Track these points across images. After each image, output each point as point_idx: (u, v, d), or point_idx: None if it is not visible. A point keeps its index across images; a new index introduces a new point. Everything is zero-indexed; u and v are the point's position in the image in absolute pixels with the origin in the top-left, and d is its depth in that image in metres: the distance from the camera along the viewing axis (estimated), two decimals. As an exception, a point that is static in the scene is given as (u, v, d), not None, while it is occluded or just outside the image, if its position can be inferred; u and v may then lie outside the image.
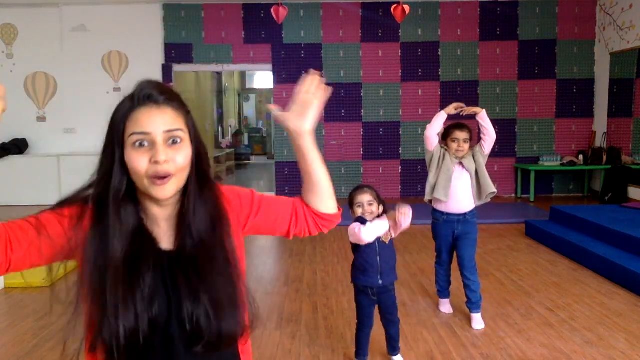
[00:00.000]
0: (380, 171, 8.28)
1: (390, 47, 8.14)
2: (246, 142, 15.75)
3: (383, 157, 8.26)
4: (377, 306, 2.64)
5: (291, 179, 8.16)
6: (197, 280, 1.05)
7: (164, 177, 1.03)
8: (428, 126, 3.23)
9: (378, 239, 2.52)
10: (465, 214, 3.24)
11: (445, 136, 3.27)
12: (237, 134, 14.99)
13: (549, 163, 7.86)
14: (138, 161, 1.03)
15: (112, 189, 1.04)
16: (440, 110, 3.27)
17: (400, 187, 8.28)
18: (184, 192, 1.09)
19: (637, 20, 7.14)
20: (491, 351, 2.85)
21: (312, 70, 1.27)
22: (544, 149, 8.24)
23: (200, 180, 1.11)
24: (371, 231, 2.45)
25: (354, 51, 8.12)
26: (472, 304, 3.22)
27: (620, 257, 4.04)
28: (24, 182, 7.80)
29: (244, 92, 16.52)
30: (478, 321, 3.18)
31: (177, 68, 8.12)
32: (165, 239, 1.10)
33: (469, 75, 8.17)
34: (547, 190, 8.27)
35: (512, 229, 5.82)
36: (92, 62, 8.14)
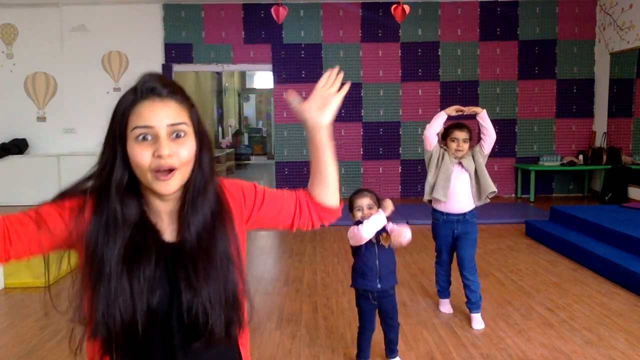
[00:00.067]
0: (380, 171, 8.28)
1: (390, 47, 8.14)
2: (246, 142, 15.76)
3: (383, 157, 8.26)
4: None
5: (291, 179, 8.16)
6: (196, 274, 1.04)
7: (168, 173, 1.02)
8: (427, 126, 3.23)
9: (378, 242, 2.52)
10: (464, 214, 3.24)
11: (445, 136, 3.26)
12: (237, 134, 15.00)
13: (549, 163, 7.86)
14: (141, 155, 1.01)
15: (114, 181, 1.04)
16: (441, 111, 3.27)
17: (400, 187, 8.28)
18: (187, 186, 1.09)
19: (637, 20, 7.14)
20: (491, 351, 2.85)
21: (334, 68, 1.27)
22: (544, 149, 8.24)
23: (204, 174, 1.10)
24: (369, 227, 2.46)
25: (354, 51, 8.12)
26: (472, 304, 3.22)
27: (620, 257, 4.04)
28: (24, 182, 7.79)
29: (244, 92, 16.53)
30: (478, 321, 3.18)
31: (177, 68, 8.12)
32: (168, 231, 1.10)
33: (469, 75, 8.17)
34: (547, 190, 8.27)
35: (512, 229, 5.82)
36: (92, 62, 8.14)
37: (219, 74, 12.97)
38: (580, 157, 7.92)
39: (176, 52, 8.11)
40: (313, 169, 1.27)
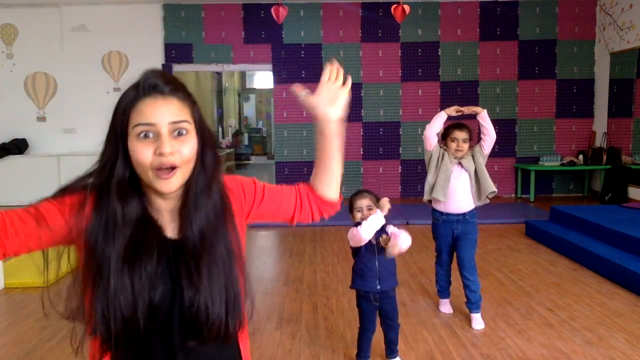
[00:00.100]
0: (380, 171, 8.28)
1: (390, 47, 8.14)
2: (246, 142, 15.76)
3: (383, 157, 8.26)
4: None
5: (291, 179, 8.14)
6: (198, 271, 1.04)
7: (169, 171, 1.01)
8: (427, 126, 3.23)
9: (378, 244, 2.52)
10: (464, 214, 3.24)
11: (445, 136, 3.26)
12: (237, 134, 14.99)
13: (549, 163, 7.86)
14: (142, 153, 1.01)
15: (115, 179, 1.03)
16: (441, 111, 3.27)
17: (400, 187, 8.28)
18: (188, 183, 1.08)
19: (637, 20, 7.14)
20: (491, 351, 2.85)
21: (333, 59, 1.27)
22: (544, 149, 8.24)
23: (207, 172, 1.09)
24: (368, 228, 2.46)
25: (354, 51, 8.12)
26: (472, 304, 3.22)
27: (620, 257, 4.04)
28: (24, 182, 7.79)
29: (244, 92, 16.53)
30: (478, 321, 3.18)
31: (177, 68, 8.12)
32: (169, 228, 1.09)
33: (469, 75, 8.17)
34: (547, 190, 8.27)
35: (512, 229, 5.82)
36: (92, 62, 8.14)
37: (219, 74, 12.96)
38: (580, 157, 7.92)
39: (176, 52, 8.11)
40: (318, 162, 1.28)
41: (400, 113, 8.22)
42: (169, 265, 1.05)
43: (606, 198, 7.29)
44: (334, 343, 2.99)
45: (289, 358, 2.83)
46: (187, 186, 1.08)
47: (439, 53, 8.16)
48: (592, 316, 3.31)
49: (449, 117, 3.24)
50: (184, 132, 1.03)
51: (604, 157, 7.62)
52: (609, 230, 4.54)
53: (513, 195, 8.25)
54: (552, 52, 8.14)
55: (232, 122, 15.18)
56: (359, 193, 2.60)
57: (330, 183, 1.28)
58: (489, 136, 3.18)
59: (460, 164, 3.22)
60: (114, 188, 1.02)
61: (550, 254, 4.78)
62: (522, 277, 4.13)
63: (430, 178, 3.27)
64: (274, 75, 8.20)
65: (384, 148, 8.24)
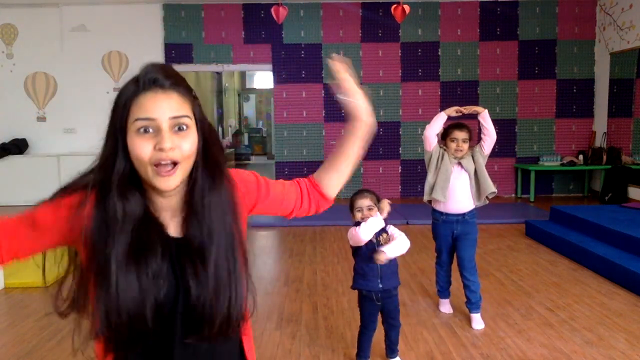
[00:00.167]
0: (380, 171, 8.28)
1: (390, 47, 8.14)
2: (246, 142, 15.75)
3: (383, 157, 8.26)
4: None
5: (291, 179, 8.14)
6: (204, 268, 1.03)
7: (171, 168, 1.00)
8: (427, 126, 3.23)
9: (378, 243, 2.52)
10: (464, 214, 3.24)
11: (445, 136, 3.26)
12: (237, 134, 15.00)
13: (549, 163, 7.86)
14: (141, 148, 0.99)
15: (116, 174, 1.01)
16: (441, 111, 3.27)
17: (400, 187, 8.28)
18: (189, 180, 1.06)
19: (637, 20, 7.14)
20: (491, 351, 2.85)
21: (332, 55, 1.27)
22: (544, 149, 8.24)
23: (211, 168, 1.08)
24: (367, 230, 2.47)
25: (354, 51, 8.12)
26: (472, 304, 3.21)
27: (620, 257, 4.04)
28: (24, 182, 7.79)
29: (244, 92, 16.52)
30: (478, 321, 3.18)
31: (177, 68, 7.92)
32: (171, 225, 1.08)
33: (469, 75, 8.17)
34: (547, 190, 8.27)
35: (512, 229, 5.82)
36: (92, 62, 8.14)
37: (219, 74, 12.96)
38: (580, 157, 7.92)
39: (176, 52, 8.11)
40: (333, 159, 1.30)
41: (400, 113, 8.22)
42: (172, 263, 1.04)
43: (606, 198, 7.29)
44: (334, 343, 2.99)
45: (289, 358, 2.83)
46: (191, 183, 1.06)
47: (439, 53, 8.16)
48: (592, 316, 3.31)
49: (449, 117, 3.24)
50: (185, 127, 1.01)
51: (604, 157, 7.62)
52: (609, 230, 4.54)
53: (513, 195, 8.25)
54: (552, 52, 8.14)
55: (232, 122, 15.18)
56: (359, 193, 2.59)
57: (337, 181, 1.31)
58: (490, 136, 3.18)
59: (460, 164, 3.22)
60: (115, 184, 1.01)
61: (550, 254, 4.78)
62: (522, 277, 4.13)
63: (430, 178, 3.27)
64: (274, 75, 8.20)
65: (384, 148, 8.24)
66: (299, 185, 1.30)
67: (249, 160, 14.76)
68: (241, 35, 8.13)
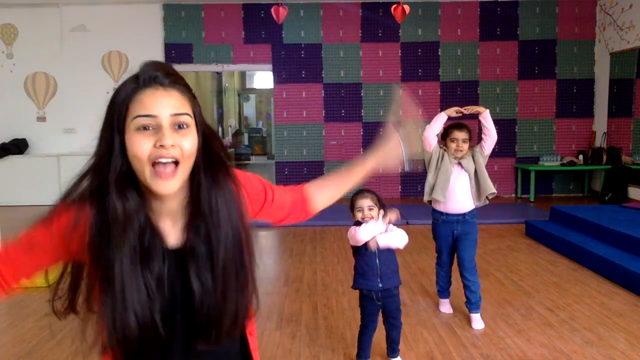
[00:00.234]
0: (381, 171, 8.27)
1: (390, 47, 8.14)
2: (246, 142, 15.75)
3: (383, 157, 8.24)
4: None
5: (291, 179, 8.16)
6: (211, 272, 1.02)
7: (173, 167, 0.97)
8: (427, 127, 3.23)
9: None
10: (464, 214, 3.24)
11: (444, 136, 3.26)
12: (237, 134, 14.99)
13: (549, 163, 7.86)
14: (141, 145, 0.96)
15: (113, 172, 0.98)
16: (441, 112, 3.27)
17: (400, 187, 8.28)
18: (190, 182, 1.04)
19: (637, 20, 7.14)
20: (491, 351, 2.85)
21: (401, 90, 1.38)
22: (544, 149, 8.24)
23: (214, 168, 1.05)
24: (367, 231, 2.47)
25: (354, 51, 8.12)
26: (472, 305, 3.21)
27: (620, 257, 4.04)
28: (24, 182, 7.80)
29: (244, 92, 16.52)
30: (478, 321, 3.18)
31: (177, 68, 7.79)
32: (171, 234, 1.05)
33: (469, 75, 8.17)
34: (547, 190, 8.27)
35: (512, 229, 5.82)
36: (92, 62, 8.15)
37: (219, 74, 12.96)
38: (580, 157, 7.92)
39: (176, 52, 8.11)
40: (334, 180, 1.35)
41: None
42: (176, 269, 1.03)
43: (606, 198, 7.29)
44: (334, 343, 2.99)
45: (289, 358, 2.83)
46: (195, 185, 1.04)
47: (439, 53, 8.16)
48: (592, 316, 3.31)
49: (449, 118, 3.23)
50: (185, 126, 0.99)
51: (604, 157, 7.62)
52: (609, 230, 4.54)
53: (513, 195, 8.25)
54: (552, 52, 8.14)
55: (232, 122, 15.18)
56: (360, 192, 2.59)
57: (327, 201, 1.35)
58: (490, 137, 3.17)
59: (460, 164, 3.21)
60: (112, 182, 0.98)
61: (550, 254, 4.78)
62: (522, 277, 4.13)
63: (430, 179, 3.27)
64: (274, 75, 8.20)
65: (384, 148, 8.22)
66: (293, 196, 1.30)
67: (249, 160, 14.76)
68: (241, 35, 8.13)
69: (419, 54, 8.14)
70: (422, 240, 4.96)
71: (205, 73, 11.37)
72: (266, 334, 3.11)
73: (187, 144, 0.99)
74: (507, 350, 2.85)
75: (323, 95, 8.12)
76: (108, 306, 0.96)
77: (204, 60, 8.18)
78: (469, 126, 3.25)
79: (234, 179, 1.10)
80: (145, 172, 0.97)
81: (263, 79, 15.58)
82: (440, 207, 3.29)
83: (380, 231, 2.50)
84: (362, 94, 8.17)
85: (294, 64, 8.11)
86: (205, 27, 8.11)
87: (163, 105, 0.98)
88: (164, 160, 0.97)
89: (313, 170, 8.13)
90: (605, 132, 7.89)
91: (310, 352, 2.89)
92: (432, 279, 3.78)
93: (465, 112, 3.22)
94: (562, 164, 7.84)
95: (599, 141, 8.00)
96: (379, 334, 2.71)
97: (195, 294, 1.01)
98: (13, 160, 7.93)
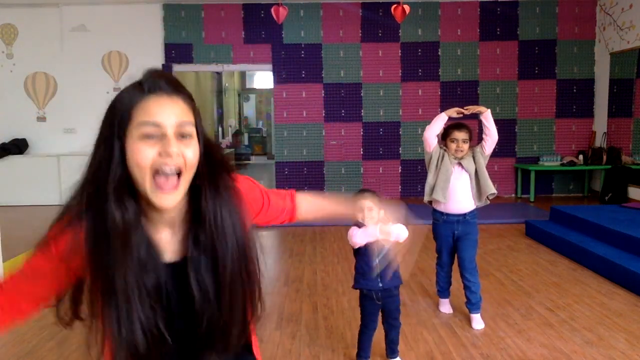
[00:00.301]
0: (380, 171, 8.28)
1: (390, 47, 8.14)
2: (246, 142, 15.75)
3: (383, 157, 8.26)
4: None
5: (291, 179, 8.16)
6: (216, 285, 1.01)
7: (175, 179, 0.96)
8: (427, 127, 3.22)
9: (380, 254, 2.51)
10: (465, 215, 3.24)
11: (445, 136, 3.26)
12: (237, 134, 15.00)
13: (549, 163, 7.86)
14: (144, 153, 0.94)
15: (112, 181, 0.95)
16: (441, 112, 3.26)
17: (400, 187, 8.28)
18: (190, 192, 1.02)
19: (637, 20, 7.14)
20: (491, 351, 2.85)
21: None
22: (544, 149, 8.24)
23: (216, 178, 1.04)
24: (362, 236, 2.47)
25: (354, 51, 8.12)
26: (472, 305, 3.21)
27: (620, 257, 4.04)
28: (24, 182, 7.80)
29: (244, 92, 16.52)
30: (478, 321, 3.18)
31: (177, 68, 8.12)
32: (170, 244, 1.04)
33: (469, 75, 8.17)
34: (547, 190, 8.27)
35: (512, 229, 5.82)
36: (92, 62, 8.15)
37: (219, 74, 12.97)
38: (580, 157, 7.92)
39: (176, 52, 8.11)
40: (322, 209, 1.40)
41: (400, 113, 8.22)
42: (176, 279, 1.02)
43: (606, 198, 7.29)
44: (334, 343, 2.99)
45: (289, 358, 2.83)
46: (199, 196, 1.02)
47: (439, 53, 8.16)
48: (592, 316, 3.31)
49: (449, 118, 3.23)
50: (188, 136, 0.98)
51: (604, 157, 7.62)
52: (609, 230, 4.53)
53: (513, 195, 8.25)
54: (552, 52, 8.14)
55: (232, 122, 15.18)
56: (360, 193, 2.58)
57: (311, 218, 1.40)
58: (491, 137, 3.17)
59: (460, 164, 3.21)
60: (111, 192, 0.95)
61: (550, 254, 4.78)
62: (522, 277, 4.13)
63: (430, 179, 3.26)
64: (274, 75, 8.20)
65: (384, 148, 8.24)
66: (284, 203, 1.31)
67: (249, 160, 14.76)
68: (241, 35, 8.13)
69: (419, 54, 8.14)
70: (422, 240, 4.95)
71: (205, 73, 11.38)
72: (266, 334, 3.11)
73: (190, 153, 0.98)
74: (507, 350, 2.85)
75: (323, 95, 8.12)
76: (113, 318, 0.95)
77: (204, 60, 8.18)
78: (469, 126, 3.25)
79: (236, 188, 1.09)
80: (146, 183, 0.95)
81: (263, 79, 15.59)
82: (440, 208, 3.29)
83: (375, 238, 2.48)
84: (362, 94, 8.17)
85: (294, 64, 8.11)
86: (205, 27, 8.11)
87: (168, 113, 0.96)
88: (167, 171, 0.95)
89: (313, 170, 8.14)
90: (605, 132, 7.89)
91: (310, 352, 2.89)
92: (432, 279, 3.78)
93: (466, 112, 3.21)
94: (562, 164, 7.84)
95: (599, 141, 8.00)
96: (379, 334, 2.71)
97: (196, 303, 1.00)
98: (13, 160, 7.93)
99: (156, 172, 0.95)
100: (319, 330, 3.17)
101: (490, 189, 3.20)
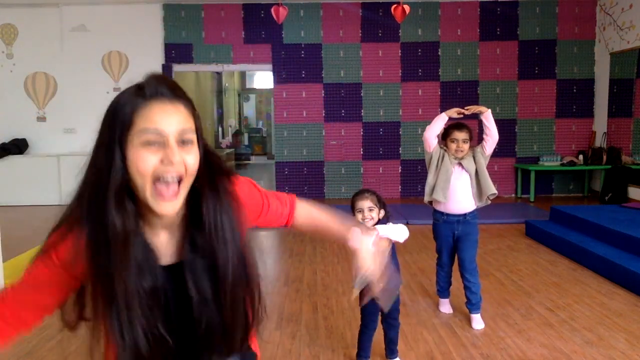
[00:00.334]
0: (380, 171, 8.28)
1: (390, 47, 8.14)
2: (246, 142, 15.76)
3: (383, 157, 8.26)
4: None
5: (291, 179, 8.16)
6: (215, 289, 1.01)
7: (175, 186, 0.95)
8: (427, 127, 3.22)
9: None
10: (465, 215, 3.23)
11: (445, 136, 3.25)
12: (237, 134, 15.00)
13: (549, 163, 7.86)
14: (146, 160, 0.93)
15: (113, 187, 0.94)
16: (441, 112, 3.26)
17: (400, 187, 8.28)
18: (189, 198, 1.02)
19: (637, 20, 7.14)
20: (491, 351, 2.85)
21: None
22: (544, 149, 8.24)
23: (216, 183, 1.04)
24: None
25: (354, 51, 8.12)
26: (472, 305, 3.21)
27: (620, 257, 4.04)
28: (24, 182, 7.80)
29: (244, 92, 16.53)
30: (478, 321, 3.17)
31: (177, 68, 8.12)
32: (167, 247, 1.04)
33: (469, 75, 8.17)
34: (547, 190, 8.27)
35: (512, 229, 5.82)
36: (92, 62, 8.15)
37: (219, 74, 12.97)
38: (580, 157, 7.92)
39: (176, 52, 8.11)
40: (319, 228, 1.38)
41: (400, 113, 8.22)
42: (173, 282, 1.02)
43: (606, 198, 7.29)
44: (334, 343, 2.99)
45: (289, 358, 2.83)
46: (199, 202, 1.01)
47: (439, 53, 8.16)
48: (592, 316, 3.31)
49: (450, 118, 3.23)
50: (189, 142, 0.97)
51: (604, 157, 7.62)
52: (609, 230, 4.54)
53: (513, 195, 8.25)
54: (552, 52, 8.14)
55: (232, 122, 15.18)
56: (360, 193, 2.57)
57: (306, 230, 1.39)
58: (492, 137, 3.17)
59: (460, 164, 3.21)
60: (112, 199, 0.94)
61: (550, 254, 4.78)
62: (522, 277, 4.13)
63: (430, 179, 3.26)
64: (274, 75, 8.20)
65: (384, 148, 8.24)
66: (283, 209, 1.30)
67: (249, 160, 14.77)
68: (241, 35, 8.13)
69: (419, 54, 8.14)
70: (422, 240, 4.96)
71: (205, 73, 11.38)
72: (266, 334, 3.11)
73: (192, 160, 0.97)
74: (507, 350, 2.85)
75: (323, 95, 8.12)
76: (115, 323, 0.95)
77: (204, 60, 8.18)
78: (469, 126, 3.25)
79: (235, 192, 1.09)
80: (147, 190, 0.95)
81: (263, 79, 15.60)
82: (440, 208, 3.29)
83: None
84: (362, 94, 8.17)
85: (294, 64, 8.11)
86: (205, 27, 8.11)
87: (170, 120, 0.95)
88: (169, 179, 0.95)
89: (313, 170, 8.14)
90: (605, 132, 7.89)
91: (310, 352, 2.89)
92: (432, 279, 3.78)
93: (466, 112, 3.21)
94: (562, 164, 7.85)
95: (599, 141, 8.00)
96: (379, 334, 2.71)
97: (194, 305, 1.00)
98: (13, 160, 7.93)
99: (157, 179, 0.95)
100: (319, 330, 3.17)
101: (491, 189, 3.20)
